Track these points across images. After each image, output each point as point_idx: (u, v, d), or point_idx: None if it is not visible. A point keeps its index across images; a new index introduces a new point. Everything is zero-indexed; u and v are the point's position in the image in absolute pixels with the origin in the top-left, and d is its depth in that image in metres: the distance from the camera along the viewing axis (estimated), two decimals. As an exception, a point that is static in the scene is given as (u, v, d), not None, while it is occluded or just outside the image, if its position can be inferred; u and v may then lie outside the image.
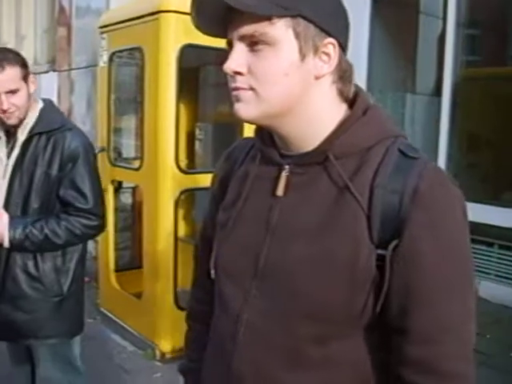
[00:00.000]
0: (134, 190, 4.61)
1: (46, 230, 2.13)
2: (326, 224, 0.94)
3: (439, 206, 0.91)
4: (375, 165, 0.95)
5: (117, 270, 4.22)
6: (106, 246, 4.17)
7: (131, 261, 4.70)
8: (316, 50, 0.94)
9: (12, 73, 2.08)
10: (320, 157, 0.98)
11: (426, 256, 0.90)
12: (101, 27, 3.98)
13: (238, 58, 0.93)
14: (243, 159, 1.14)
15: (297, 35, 0.92)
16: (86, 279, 5.15)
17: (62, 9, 5.70)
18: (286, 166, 1.01)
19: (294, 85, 0.94)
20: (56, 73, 5.89)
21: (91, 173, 2.23)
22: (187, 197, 4.14)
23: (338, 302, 0.93)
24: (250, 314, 1.01)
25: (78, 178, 2.18)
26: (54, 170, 2.16)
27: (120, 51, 3.94)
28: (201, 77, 4.72)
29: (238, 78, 0.94)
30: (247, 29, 0.92)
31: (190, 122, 4.55)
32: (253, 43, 0.92)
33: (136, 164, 3.87)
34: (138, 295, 3.83)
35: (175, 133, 3.39)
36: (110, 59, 3.91)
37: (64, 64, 5.67)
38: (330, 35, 0.95)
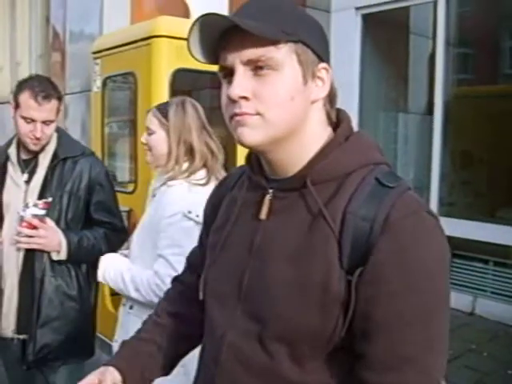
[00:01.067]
0: (129, 213, 4.60)
1: (93, 241, 2.28)
2: (302, 248, 0.96)
3: (410, 235, 0.90)
4: (350, 192, 0.96)
5: (112, 294, 4.19)
6: (101, 270, 4.15)
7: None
8: (313, 75, 0.97)
9: (53, 105, 2.19)
10: (299, 182, 0.99)
11: (388, 283, 0.89)
12: (94, 52, 4.02)
13: (243, 83, 0.93)
14: (233, 186, 1.17)
15: (300, 61, 0.95)
16: (82, 303, 5.15)
17: (55, 34, 5.75)
18: (270, 190, 1.03)
19: (299, 109, 0.96)
20: (50, 98, 5.91)
21: (114, 193, 2.46)
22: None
23: (310, 325, 0.93)
24: (233, 335, 1.03)
25: (108, 200, 2.38)
26: (82, 193, 2.28)
27: (113, 76, 3.97)
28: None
29: (243, 103, 0.94)
30: (253, 53, 0.92)
31: (183, 144, 4.56)
32: (257, 68, 0.93)
33: (130, 188, 3.88)
34: (134, 319, 3.80)
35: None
36: (104, 84, 3.94)
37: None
38: (322, 60, 0.99)
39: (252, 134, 0.95)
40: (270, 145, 0.98)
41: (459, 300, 4.35)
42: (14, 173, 2.27)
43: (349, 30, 5.43)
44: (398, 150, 5.96)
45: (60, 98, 2.27)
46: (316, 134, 1.01)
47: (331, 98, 1.03)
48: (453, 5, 5.05)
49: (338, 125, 1.04)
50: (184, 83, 3.86)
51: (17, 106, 2.18)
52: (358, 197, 0.95)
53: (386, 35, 5.69)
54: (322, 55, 0.99)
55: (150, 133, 2.11)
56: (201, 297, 1.13)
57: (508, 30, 5.57)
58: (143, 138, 2.16)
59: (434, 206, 4.83)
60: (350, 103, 5.47)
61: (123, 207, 4.43)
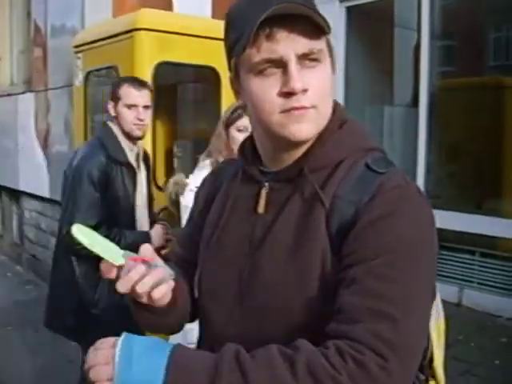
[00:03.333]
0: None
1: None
2: (300, 236, 0.95)
3: (391, 204, 0.90)
4: (339, 177, 0.96)
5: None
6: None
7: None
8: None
9: (148, 92, 2.60)
10: (295, 171, 0.99)
11: (366, 248, 0.88)
12: (75, 47, 3.97)
13: (302, 76, 0.91)
14: (227, 178, 1.14)
15: (330, 52, 0.96)
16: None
17: (37, 28, 5.67)
18: (266, 184, 1.02)
19: (332, 98, 0.98)
20: (33, 93, 5.84)
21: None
22: (166, 215, 4.11)
23: (313, 313, 0.92)
24: (233, 333, 1.00)
25: None
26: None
27: (95, 70, 3.91)
28: (179, 94, 4.72)
29: (301, 96, 0.91)
30: (306, 45, 0.91)
31: (168, 139, 4.52)
32: (306, 60, 0.91)
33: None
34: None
35: (152, 150, 3.37)
36: (86, 78, 3.89)
37: (40, 84, 5.63)
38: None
39: (309, 128, 0.94)
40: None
41: (446, 291, 4.35)
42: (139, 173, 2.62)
43: (333, 23, 5.36)
44: (383, 143, 5.96)
45: (150, 89, 2.65)
46: None
47: None
48: (437, -3, 5.05)
49: (332, 113, 1.03)
50: (167, 77, 3.82)
51: (117, 99, 2.53)
52: (346, 182, 0.95)
53: (370, 27, 5.68)
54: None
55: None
56: (196, 294, 1.09)
57: (492, 22, 5.58)
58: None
59: (420, 198, 4.81)
60: (334, 96, 5.40)
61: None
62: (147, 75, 3.29)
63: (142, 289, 0.90)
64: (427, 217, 0.93)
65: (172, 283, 0.96)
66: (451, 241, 4.52)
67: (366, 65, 5.75)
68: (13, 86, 6.75)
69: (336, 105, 1.04)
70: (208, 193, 1.18)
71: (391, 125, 6.01)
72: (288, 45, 0.90)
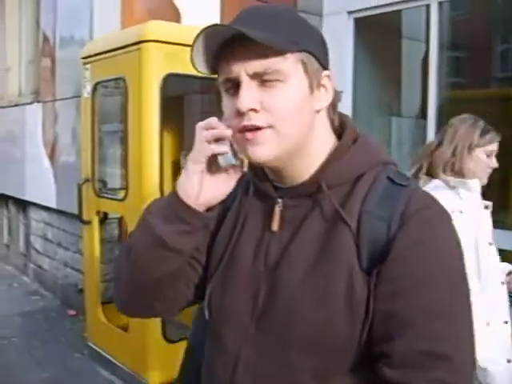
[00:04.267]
0: (120, 220, 4.55)
1: None
2: (322, 255, 0.93)
3: (426, 227, 0.89)
4: (363, 192, 0.95)
5: (103, 303, 4.14)
6: (92, 278, 4.11)
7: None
8: (318, 84, 0.96)
9: None
10: (313, 187, 0.98)
11: (408, 277, 0.87)
12: (84, 58, 3.97)
13: (251, 95, 0.91)
14: (239, 193, 1.12)
15: (306, 70, 0.93)
16: (73, 312, 5.10)
17: (46, 39, 5.69)
18: (279, 200, 1.01)
19: (307, 119, 0.95)
20: (40, 104, 5.86)
21: None
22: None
23: (337, 334, 0.90)
24: (249, 354, 0.98)
25: None
26: None
27: (103, 81, 3.92)
28: (185, 105, 4.72)
29: (252, 115, 0.91)
30: (259, 65, 0.90)
31: (175, 150, 4.52)
32: (264, 80, 0.91)
33: (121, 194, 3.83)
34: (126, 328, 3.75)
35: (159, 162, 3.36)
36: (94, 89, 3.90)
37: (48, 95, 5.64)
38: (325, 68, 0.98)
39: (266, 150, 0.93)
40: (282, 158, 0.95)
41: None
42: None
43: (341, 34, 5.41)
44: (391, 154, 5.92)
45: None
46: (322, 142, 1.00)
47: (334, 105, 1.01)
48: (445, 8, 5.05)
49: (342, 128, 1.03)
50: (175, 88, 3.82)
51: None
52: (372, 196, 0.94)
53: (378, 39, 5.68)
54: (325, 63, 0.97)
55: None
56: (207, 316, 1.07)
57: (500, 34, 5.58)
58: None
59: (428, 210, 4.80)
60: (342, 107, 5.41)
61: (114, 214, 4.41)
62: (155, 87, 3.29)
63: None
64: (456, 236, 0.93)
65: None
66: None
67: (374, 76, 5.75)
68: (21, 96, 6.77)
69: (346, 119, 1.04)
70: (221, 207, 1.14)
71: (399, 136, 5.99)
72: (240, 65, 0.90)
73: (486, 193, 2.65)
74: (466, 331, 0.88)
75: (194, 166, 0.97)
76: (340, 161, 0.98)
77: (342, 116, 1.05)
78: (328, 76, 0.98)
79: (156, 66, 3.30)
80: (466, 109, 5.35)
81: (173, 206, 0.98)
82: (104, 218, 4.29)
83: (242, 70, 0.91)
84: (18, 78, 6.96)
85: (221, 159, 0.97)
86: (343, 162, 0.98)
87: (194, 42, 0.91)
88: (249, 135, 0.93)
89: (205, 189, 0.97)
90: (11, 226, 7.15)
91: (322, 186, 0.96)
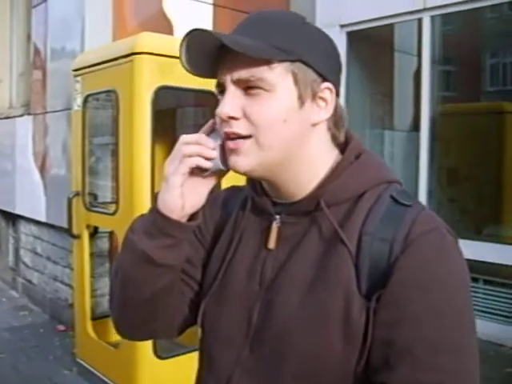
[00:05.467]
0: (111, 234, 4.50)
1: None
2: (318, 277, 0.89)
3: (431, 251, 0.84)
4: (365, 212, 0.90)
5: (93, 318, 4.07)
6: (82, 293, 4.04)
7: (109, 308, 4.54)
8: (314, 96, 0.91)
9: None
10: (311, 205, 0.93)
11: (411, 304, 0.82)
12: (74, 70, 3.94)
13: (233, 102, 0.89)
14: (236, 208, 1.08)
15: (296, 81, 0.89)
16: (62, 328, 5.02)
17: (37, 51, 5.66)
18: (277, 217, 0.97)
19: (293, 132, 0.90)
20: (31, 116, 5.81)
21: None
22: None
23: (332, 359, 0.86)
24: (241, 377, 0.94)
25: None
26: None
27: (94, 94, 3.88)
28: (178, 118, 4.68)
29: (234, 122, 0.89)
30: (243, 73, 0.88)
31: (167, 163, 4.48)
32: (248, 87, 0.89)
33: (112, 208, 3.77)
34: (116, 344, 3.68)
35: (151, 176, 3.31)
36: (85, 102, 3.86)
37: (39, 107, 5.60)
38: (326, 80, 0.92)
39: (245, 161, 0.90)
40: (265, 170, 0.91)
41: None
42: None
43: (334, 48, 5.41)
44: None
45: None
46: (320, 157, 0.95)
47: (337, 119, 0.96)
48: (437, 23, 5.07)
49: (347, 144, 0.98)
50: (168, 101, 3.79)
51: None
52: (373, 217, 0.89)
53: (370, 53, 5.69)
54: (327, 74, 0.92)
55: None
56: (199, 334, 1.03)
57: (490, 48, 5.62)
58: None
59: (421, 224, 4.78)
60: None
61: (104, 229, 4.36)
62: (147, 100, 3.25)
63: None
64: (462, 260, 0.88)
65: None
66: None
67: (367, 89, 5.75)
68: (12, 108, 6.72)
69: (351, 135, 0.99)
70: (217, 222, 1.10)
71: (392, 149, 5.99)
72: (228, 71, 0.89)
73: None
74: (470, 363, 0.83)
75: (175, 178, 0.92)
76: (340, 178, 0.93)
77: (347, 131, 1.01)
78: (329, 88, 0.93)
79: (148, 79, 3.26)
80: (459, 122, 5.38)
81: (156, 222, 0.94)
82: (94, 232, 4.23)
83: (228, 76, 0.89)
84: (9, 90, 6.92)
85: (209, 163, 0.94)
86: (344, 180, 0.93)
87: (180, 46, 0.91)
88: (230, 144, 0.91)
89: (187, 199, 0.94)
90: (0, 240, 7.06)
91: (320, 204, 0.92)
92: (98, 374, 3.85)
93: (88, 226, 3.97)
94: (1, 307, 5.88)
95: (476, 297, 4.56)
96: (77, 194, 3.93)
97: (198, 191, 0.95)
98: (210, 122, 0.96)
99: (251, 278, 0.97)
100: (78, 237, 3.99)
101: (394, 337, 0.82)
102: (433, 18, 4.97)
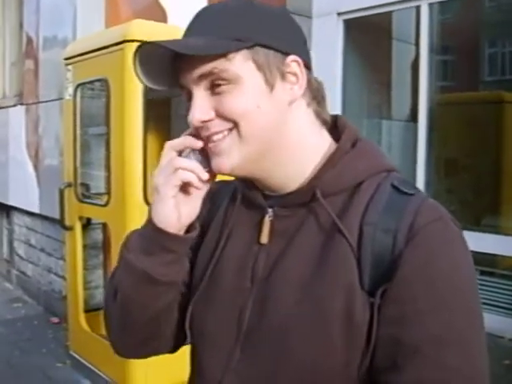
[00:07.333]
0: (105, 225, 4.44)
1: None
2: (317, 273, 0.83)
3: (437, 242, 0.80)
4: (365, 201, 0.85)
5: (87, 311, 4.03)
6: (75, 285, 3.99)
7: (103, 300, 4.49)
8: (282, 75, 0.86)
9: None
10: (307, 195, 0.88)
11: (417, 300, 0.78)
12: (66, 59, 3.87)
13: (202, 106, 0.85)
14: (224, 201, 1.03)
15: (259, 66, 0.84)
16: (56, 320, 4.98)
17: (29, 40, 5.57)
18: (269, 210, 0.91)
19: (271, 116, 0.86)
20: (24, 106, 5.73)
21: None
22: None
23: (333, 363, 0.81)
24: (232, 382, 0.88)
25: None
26: None
27: (85, 83, 3.81)
28: (173, 107, 4.61)
29: (209, 124, 0.86)
30: (202, 69, 0.84)
31: (161, 152, 4.42)
32: (213, 85, 0.85)
33: (104, 200, 3.71)
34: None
35: (143, 166, 3.25)
36: (76, 91, 3.78)
37: (31, 97, 5.52)
38: (289, 53, 0.87)
39: (229, 159, 0.86)
40: (252, 165, 0.87)
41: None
42: None
43: (331, 36, 5.34)
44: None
45: None
46: (308, 139, 0.90)
47: (314, 93, 0.91)
48: (435, 11, 5.00)
49: (340, 132, 0.93)
50: (162, 90, 3.71)
51: None
52: (375, 206, 0.84)
53: (368, 41, 5.63)
54: (290, 49, 0.87)
55: None
56: (188, 338, 0.98)
57: (488, 37, 5.58)
58: None
59: (419, 215, 4.75)
60: (332, 110, 5.35)
61: (97, 220, 4.30)
62: (138, 88, 3.18)
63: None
64: (467, 251, 0.84)
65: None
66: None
67: (364, 78, 5.69)
68: (4, 98, 6.65)
69: (346, 123, 0.94)
70: (203, 218, 1.02)
71: (389, 139, 5.94)
72: (187, 73, 0.86)
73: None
74: (480, 360, 0.79)
75: (167, 189, 0.87)
76: (337, 166, 0.88)
77: (339, 118, 0.96)
78: (295, 61, 0.87)
79: (139, 67, 3.19)
80: (457, 112, 5.33)
81: (154, 238, 0.89)
82: (87, 224, 4.17)
83: (189, 78, 0.86)
84: (2, 80, 6.84)
85: (201, 184, 0.91)
86: (341, 168, 0.88)
87: (133, 63, 0.87)
88: (211, 146, 0.87)
89: (182, 209, 0.89)
90: (-5, 232, 7.02)
91: (316, 194, 0.87)
92: (92, 367, 3.81)
93: (80, 218, 3.92)
94: (-5, 299, 5.84)
95: (474, 288, 4.55)
96: (69, 185, 3.87)
97: (192, 200, 0.90)
98: (185, 142, 0.90)
99: (242, 275, 0.92)
100: (70, 228, 3.93)
101: (401, 335, 0.78)
102: (431, 5, 4.90)
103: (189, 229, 0.92)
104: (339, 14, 5.38)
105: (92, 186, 4.31)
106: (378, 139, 5.92)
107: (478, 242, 4.36)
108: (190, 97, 0.88)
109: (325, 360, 0.81)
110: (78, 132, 3.88)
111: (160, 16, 4.00)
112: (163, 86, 0.92)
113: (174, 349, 1.07)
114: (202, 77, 0.84)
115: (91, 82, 3.80)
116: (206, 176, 0.88)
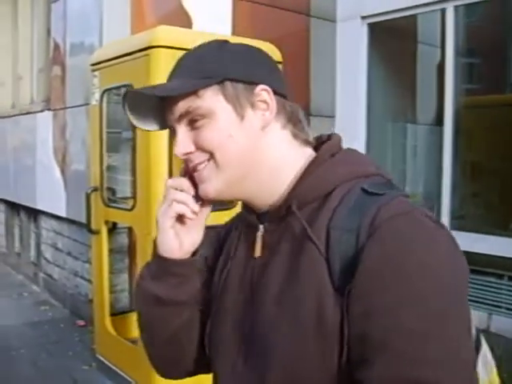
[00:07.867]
0: (130, 229, 4.48)
1: None
2: (292, 277, 0.89)
3: (400, 238, 0.79)
4: (333, 206, 0.89)
5: (113, 314, 4.07)
6: (101, 289, 4.02)
7: (128, 304, 4.54)
8: (252, 104, 0.94)
9: None
10: (283, 209, 0.94)
11: (380, 295, 0.77)
12: (92, 65, 3.91)
13: (183, 140, 0.94)
14: (234, 227, 1.12)
15: (228, 99, 0.93)
16: (82, 323, 5.03)
17: (56, 47, 5.66)
18: (261, 226, 0.99)
19: (242, 143, 0.94)
20: (51, 112, 5.82)
21: None
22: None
23: (312, 368, 0.83)
24: None
25: None
26: None
27: (111, 88, 3.85)
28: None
29: (191, 156, 0.95)
30: (180, 108, 0.93)
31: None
32: (192, 121, 0.94)
33: (130, 204, 3.75)
34: (135, 341, 3.66)
35: (168, 170, 3.27)
36: (102, 97, 3.83)
37: (59, 102, 5.60)
38: (257, 83, 0.94)
39: (210, 185, 0.95)
40: (233, 189, 0.95)
41: (473, 317, 4.19)
42: None
43: (355, 40, 5.33)
44: (406, 162, 5.84)
45: None
46: (286, 158, 0.96)
47: (289, 116, 0.97)
48: (461, 13, 4.95)
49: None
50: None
51: None
52: (341, 209, 0.87)
53: (393, 44, 5.60)
54: (259, 79, 0.95)
55: None
56: (207, 352, 1.06)
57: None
58: None
59: (445, 219, 4.69)
60: (357, 114, 5.36)
61: (123, 224, 4.34)
62: (163, 93, 3.21)
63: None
64: (444, 242, 0.82)
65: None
66: (477, 264, 4.36)
67: (389, 82, 5.66)
68: (32, 104, 6.75)
69: (332, 136, 1.00)
70: (218, 245, 1.15)
71: (415, 143, 5.90)
72: (170, 113, 0.96)
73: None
74: (461, 356, 0.76)
75: (164, 220, 0.98)
76: (311, 176, 0.94)
77: (335, 136, 1.00)
78: (265, 90, 0.94)
79: (164, 72, 3.16)
80: (483, 115, 5.27)
81: (159, 265, 1.01)
82: (113, 228, 4.22)
83: (172, 117, 0.95)
84: (30, 86, 6.95)
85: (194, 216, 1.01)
86: (314, 177, 0.93)
87: (124, 107, 0.98)
88: (196, 174, 0.96)
89: (183, 238, 0.99)
90: (23, 235, 7.12)
91: (291, 207, 0.93)
92: (117, 370, 3.84)
93: (106, 222, 3.96)
94: (22, 302, 5.92)
95: (500, 293, 4.47)
96: (95, 190, 3.91)
97: (191, 228, 1.00)
98: (181, 184, 0.99)
99: (242, 289, 1.00)
100: (96, 232, 3.98)
101: (367, 330, 0.77)
102: (456, 8, 4.86)
103: (194, 253, 1.02)
104: (363, 17, 5.37)
105: (118, 191, 4.37)
106: (403, 143, 5.88)
107: (507, 247, 4.29)
108: (174, 134, 0.97)
109: (303, 367, 0.84)
110: (104, 137, 3.92)
111: (185, 22, 4.03)
112: (156, 128, 1.02)
113: (206, 369, 1.13)
114: (182, 116, 0.94)
115: (117, 88, 3.84)
116: (196, 208, 0.97)
